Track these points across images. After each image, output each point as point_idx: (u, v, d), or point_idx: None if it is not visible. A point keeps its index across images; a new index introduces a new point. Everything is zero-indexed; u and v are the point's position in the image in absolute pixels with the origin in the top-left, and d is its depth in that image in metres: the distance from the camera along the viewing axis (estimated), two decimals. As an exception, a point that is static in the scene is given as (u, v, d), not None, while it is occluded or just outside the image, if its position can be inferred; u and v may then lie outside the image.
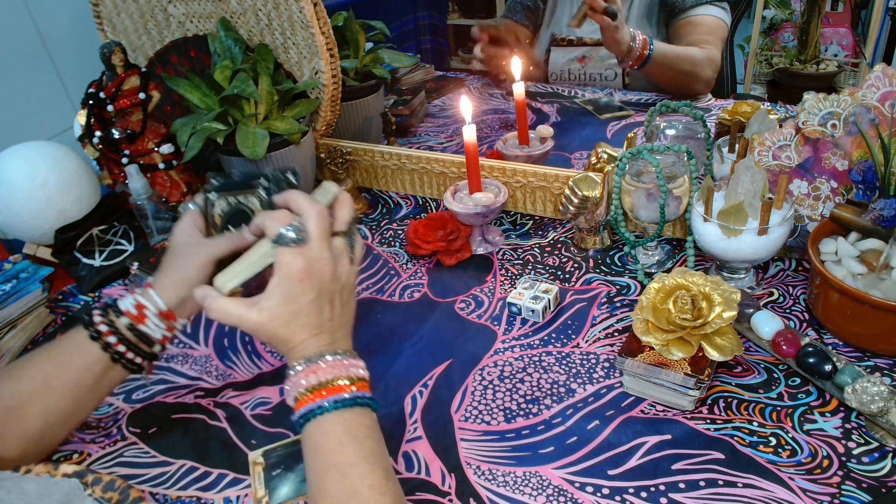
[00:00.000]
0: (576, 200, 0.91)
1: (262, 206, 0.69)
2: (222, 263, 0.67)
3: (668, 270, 0.86)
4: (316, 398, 0.57)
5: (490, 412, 0.73)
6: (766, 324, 0.74)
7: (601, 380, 0.76)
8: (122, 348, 0.67)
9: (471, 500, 0.64)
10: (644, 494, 0.62)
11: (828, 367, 0.68)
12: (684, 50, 1.37)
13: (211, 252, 0.68)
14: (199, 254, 0.68)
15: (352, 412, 0.57)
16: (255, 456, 0.68)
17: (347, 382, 0.58)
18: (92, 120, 1.11)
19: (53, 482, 0.52)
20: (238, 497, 0.67)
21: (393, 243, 1.07)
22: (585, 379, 0.76)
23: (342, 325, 0.63)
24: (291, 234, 0.60)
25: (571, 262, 0.96)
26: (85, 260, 1.06)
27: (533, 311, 0.85)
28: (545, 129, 1.14)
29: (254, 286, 0.63)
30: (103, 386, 0.69)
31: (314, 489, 0.55)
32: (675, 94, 1.46)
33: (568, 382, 0.76)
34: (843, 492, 0.60)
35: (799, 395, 0.70)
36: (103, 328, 0.67)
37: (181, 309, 0.69)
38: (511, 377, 0.77)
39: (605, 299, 0.88)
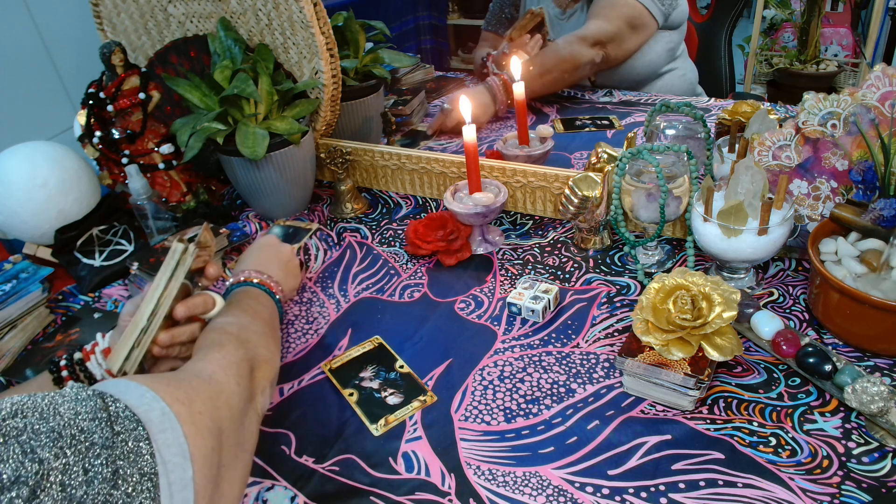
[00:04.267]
0: (576, 200, 0.91)
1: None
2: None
3: (668, 270, 0.86)
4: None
5: (490, 412, 0.73)
6: (766, 324, 0.74)
7: (601, 380, 0.76)
8: (70, 384, 0.70)
9: (471, 500, 0.64)
10: (644, 494, 0.62)
11: (828, 367, 0.68)
12: (542, 55, 1.39)
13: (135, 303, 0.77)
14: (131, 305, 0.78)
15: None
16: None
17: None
18: (92, 120, 1.11)
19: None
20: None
21: (393, 243, 1.07)
22: (585, 379, 0.76)
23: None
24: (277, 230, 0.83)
25: (571, 262, 0.96)
26: (85, 260, 1.06)
27: (533, 311, 0.85)
28: (545, 129, 1.14)
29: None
30: None
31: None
32: (570, 84, 1.48)
33: (568, 382, 0.76)
34: (843, 492, 0.60)
35: (799, 395, 0.70)
36: (62, 363, 0.72)
37: None
38: (511, 377, 0.77)
39: (605, 299, 0.88)
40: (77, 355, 0.73)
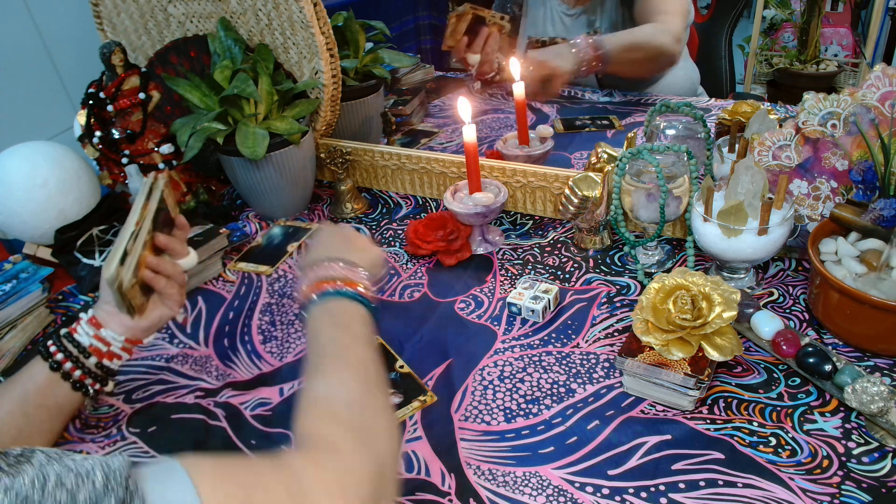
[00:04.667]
0: (576, 200, 0.91)
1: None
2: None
3: (668, 270, 0.86)
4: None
5: (490, 412, 0.73)
6: (766, 324, 0.74)
7: (601, 380, 0.76)
8: (59, 356, 0.70)
9: (471, 500, 0.64)
10: (644, 494, 0.62)
11: (828, 367, 0.68)
12: (637, 32, 1.34)
13: None
14: None
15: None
16: None
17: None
18: (92, 120, 1.11)
19: None
20: (238, 497, 0.67)
21: (393, 243, 1.07)
22: (585, 379, 0.76)
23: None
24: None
25: (571, 262, 0.96)
26: (85, 260, 1.06)
27: (533, 311, 0.85)
28: (545, 129, 1.14)
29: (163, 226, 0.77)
30: (49, 401, 0.70)
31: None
32: (647, 77, 1.45)
33: (568, 382, 0.76)
34: (843, 492, 0.60)
35: (799, 395, 0.70)
36: (49, 341, 0.71)
37: (111, 320, 0.73)
38: (511, 377, 0.77)
39: (605, 299, 0.88)
40: (63, 331, 0.72)
